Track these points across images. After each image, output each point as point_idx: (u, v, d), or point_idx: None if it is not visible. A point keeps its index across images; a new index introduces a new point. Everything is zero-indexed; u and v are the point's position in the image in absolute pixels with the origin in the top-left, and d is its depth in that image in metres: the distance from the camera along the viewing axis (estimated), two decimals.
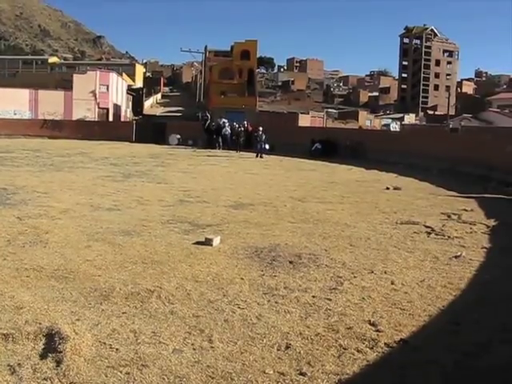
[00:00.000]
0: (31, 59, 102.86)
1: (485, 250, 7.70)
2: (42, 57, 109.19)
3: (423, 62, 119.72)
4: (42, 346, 3.96)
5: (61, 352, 3.82)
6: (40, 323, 4.32)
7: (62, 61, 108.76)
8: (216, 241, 7.38)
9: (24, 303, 4.77)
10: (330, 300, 5.21)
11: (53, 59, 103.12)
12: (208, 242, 7.31)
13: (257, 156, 27.66)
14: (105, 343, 4.04)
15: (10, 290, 5.11)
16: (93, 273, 5.81)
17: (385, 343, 4.22)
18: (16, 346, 3.94)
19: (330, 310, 4.94)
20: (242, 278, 5.82)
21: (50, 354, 3.82)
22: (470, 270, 6.50)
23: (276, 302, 5.09)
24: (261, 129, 29.07)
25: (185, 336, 4.23)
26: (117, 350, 3.94)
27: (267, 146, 28.71)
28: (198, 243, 7.38)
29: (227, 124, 34.91)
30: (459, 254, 7.25)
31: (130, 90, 69.17)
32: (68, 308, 4.73)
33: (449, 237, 8.48)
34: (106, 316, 4.58)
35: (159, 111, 76.68)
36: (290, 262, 6.56)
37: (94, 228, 8.21)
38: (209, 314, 4.71)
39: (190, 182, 15.34)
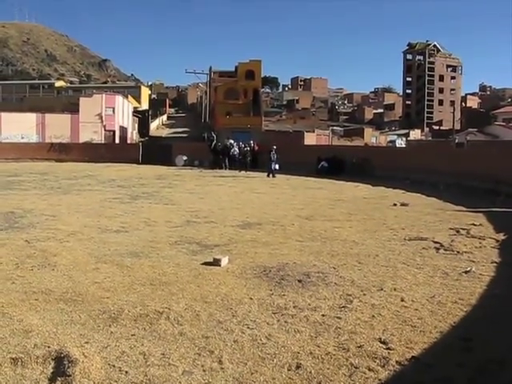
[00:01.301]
0: (38, 83, 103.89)
1: (495, 264, 7.65)
2: (48, 81, 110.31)
3: (427, 78, 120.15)
4: (51, 370, 3.94)
5: (70, 376, 3.81)
6: (49, 347, 4.30)
7: (69, 84, 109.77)
8: (224, 261, 7.36)
9: (33, 327, 4.76)
10: (339, 318, 5.17)
11: (59, 83, 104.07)
12: (216, 263, 7.30)
13: (268, 175, 27.44)
14: (114, 366, 4.02)
15: (19, 314, 5.11)
16: (101, 295, 5.80)
17: (396, 361, 4.18)
18: (25, 370, 3.92)
19: (339, 328, 4.90)
20: (250, 298, 5.80)
21: (59, 378, 3.80)
22: (481, 285, 6.45)
23: (285, 322, 5.06)
24: (275, 147, 28.81)
25: (194, 357, 4.20)
26: (126, 372, 3.91)
27: (277, 166, 28.38)
28: (206, 264, 7.37)
29: (235, 144, 35.07)
30: (469, 269, 7.20)
31: (135, 112, 69.64)
32: (77, 331, 4.71)
33: (458, 252, 8.43)
34: (114, 338, 4.57)
35: (165, 132, 77.16)
36: (299, 281, 6.53)
37: (101, 250, 8.21)
38: (218, 335, 4.68)
39: (197, 202, 15.35)
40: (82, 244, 8.68)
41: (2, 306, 5.35)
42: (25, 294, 5.80)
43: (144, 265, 7.27)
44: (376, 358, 4.24)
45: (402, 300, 5.80)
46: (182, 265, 7.31)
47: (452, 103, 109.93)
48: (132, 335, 4.66)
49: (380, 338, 4.65)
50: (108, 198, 15.73)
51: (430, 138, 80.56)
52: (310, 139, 52.74)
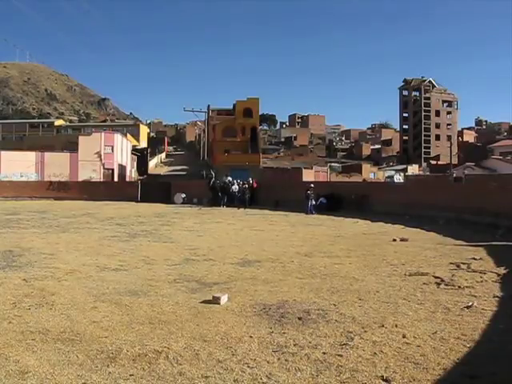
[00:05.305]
0: (38, 122, 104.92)
1: (497, 298, 7.58)
2: (48, 120, 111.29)
3: (423, 113, 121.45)
4: None
5: None
6: None
7: (68, 123, 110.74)
8: (224, 299, 7.30)
9: (29, 367, 4.68)
10: (340, 356, 5.09)
11: (59, 122, 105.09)
12: (215, 301, 7.23)
13: (310, 213, 27.33)
14: None
15: (15, 354, 5.03)
16: (99, 334, 5.72)
17: None
18: None
19: (341, 366, 4.83)
20: (250, 336, 5.72)
21: None
22: (483, 320, 6.38)
23: (286, 360, 4.98)
24: (312, 185, 28.80)
25: None
26: None
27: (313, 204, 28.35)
28: (205, 302, 7.29)
29: (234, 181, 35.32)
30: (471, 304, 7.13)
31: (134, 150, 70.15)
32: (74, 371, 4.63)
33: (459, 287, 8.37)
34: (113, 379, 4.49)
35: (164, 170, 77.53)
36: (299, 319, 6.45)
37: (100, 289, 8.14)
38: (218, 375, 4.61)
39: (195, 240, 15.30)
40: (81, 283, 8.62)
41: None
42: (21, 333, 5.73)
43: (143, 303, 7.20)
44: None
45: (404, 336, 5.73)
46: (181, 303, 7.24)
47: (449, 138, 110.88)
48: (130, 375, 4.58)
49: (382, 376, 4.57)
50: (107, 237, 15.68)
51: (428, 173, 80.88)
52: (308, 176, 53.00)
